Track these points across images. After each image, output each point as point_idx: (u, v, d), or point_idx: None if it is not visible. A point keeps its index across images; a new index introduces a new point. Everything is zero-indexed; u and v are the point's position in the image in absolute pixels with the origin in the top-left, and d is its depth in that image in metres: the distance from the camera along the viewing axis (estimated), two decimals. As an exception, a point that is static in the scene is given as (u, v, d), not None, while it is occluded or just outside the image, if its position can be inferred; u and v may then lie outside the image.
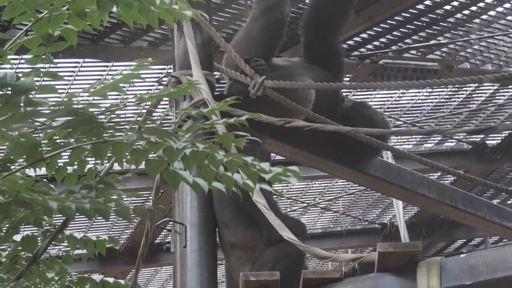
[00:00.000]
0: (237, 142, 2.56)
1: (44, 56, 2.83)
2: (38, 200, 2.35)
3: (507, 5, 7.11)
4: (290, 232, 3.87)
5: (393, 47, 7.23)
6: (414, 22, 7.04)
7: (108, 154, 2.67)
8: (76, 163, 2.82)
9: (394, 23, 6.97)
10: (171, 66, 4.99)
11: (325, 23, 5.08)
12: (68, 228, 3.76)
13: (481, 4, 6.99)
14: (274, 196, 5.11)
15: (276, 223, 3.86)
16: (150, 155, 2.58)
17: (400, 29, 7.08)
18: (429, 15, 6.99)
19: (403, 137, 8.50)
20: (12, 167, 2.70)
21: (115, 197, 2.67)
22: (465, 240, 10.43)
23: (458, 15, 7.08)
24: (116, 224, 9.04)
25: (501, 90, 8.27)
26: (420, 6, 6.86)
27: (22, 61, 5.75)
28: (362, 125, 4.60)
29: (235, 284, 4.31)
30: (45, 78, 2.72)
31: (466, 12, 7.07)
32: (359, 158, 5.01)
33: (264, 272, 3.72)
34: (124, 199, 2.75)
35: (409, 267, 3.47)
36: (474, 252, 3.96)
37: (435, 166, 4.78)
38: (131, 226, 9.03)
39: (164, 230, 8.38)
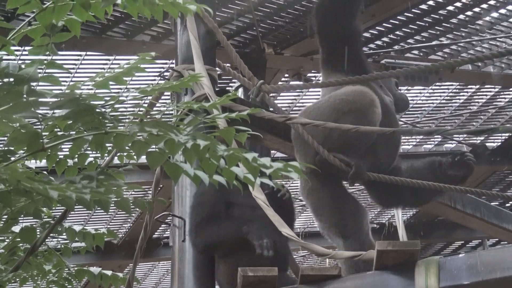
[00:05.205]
0: (238, 136, 2.56)
1: (47, 46, 2.83)
2: (39, 189, 2.34)
3: (510, 7, 7.10)
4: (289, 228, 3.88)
5: (396, 47, 7.23)
6: (417, 22, 7.03)
7: (109, 148, 2.67)
8: (76, 156, 2.82)
9: (397, 22, 6.97)
10: (173, 61, 4.99)
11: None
12: (66, 221, 3.76)
13: (484, 6, 6.98)
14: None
15: (276, 219, 3.87)
16: (151, 148, 2.58)
17: (403, 29, 7.08)
18: (432, 15, 6.99)
19: (403, 137, 8.51)
20: (12, 158, 2.69)
21: (115, 188, 2.67)
22: (463, 241, 10.43)
23: (461, 16, 7.08)
24: (114, 218, 9.04)
25: (502, 93, 8.27)
26: (423, 6, 6.86)
27: (25, 52, 5.75)
28: None
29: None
30: (47, 70, 2.73)
31: (469, 13, 7.06)
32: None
33: (262, 268, 3.72)
34: (124, 191, 2.75)
35: (408, 266, 3.47)
36: (473, 252, 3.96)
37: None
38: (129, 220, 9.03)
39: (162, 225, 8.39)
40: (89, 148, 2.71)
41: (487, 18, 7.21)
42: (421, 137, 8.60)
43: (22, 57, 5.81)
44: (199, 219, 4.12)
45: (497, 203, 9.32)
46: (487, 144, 8.77)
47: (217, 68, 4.84)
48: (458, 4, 6.92)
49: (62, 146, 2.78)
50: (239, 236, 3.98)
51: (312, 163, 4.41)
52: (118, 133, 2.56)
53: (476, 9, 7.04)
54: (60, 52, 2.94)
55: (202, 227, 4.10)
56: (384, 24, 6.95)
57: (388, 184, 4.61)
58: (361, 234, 4.50)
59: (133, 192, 7.50)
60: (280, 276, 3.75)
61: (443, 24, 7.12)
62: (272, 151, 6.71)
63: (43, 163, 2.85)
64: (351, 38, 4.73)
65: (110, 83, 2.75)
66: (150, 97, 4.74)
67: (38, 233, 3.48)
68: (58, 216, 3.56)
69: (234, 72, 4.70)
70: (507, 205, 9.58)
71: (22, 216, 2.95)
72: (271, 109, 4.78)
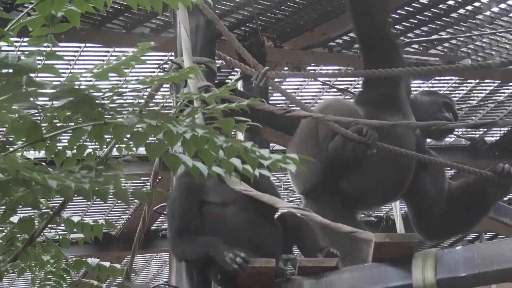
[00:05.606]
0: (237, 127, 2.56)
1: (46, 37, 2.83)
2: (38, 179, 2.35)
3: (510, 2, 7.10)
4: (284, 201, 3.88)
5: (395, 41, 7.22)
6: (417, 16, 7.03)
7: (107, 139, 2.68)
8: (75, 147, 2.82)
9: (397, 17, 6.97)
10: (173, 53, 4.99)
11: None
12: (64, 212, 3.77)
13: (484, 0, 6.98)
14: None
15: (265, 199, 3.83)
16: (150, 138, 2.58)
17: (403, 23, 7.08)
18: (432, 10, 6.98)
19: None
20: (11, 149, 2.70)
21: (114, 180, 2.67)
22: (459, 235, 10.44)
23: (461, 11, 7.08)
24: (112, 210, 9.05)
25: (501, 87, 8.28)
26: (423, 1, 6.86)
27: (24, 43, 5.75)
28: None
29: None
30: (47, 61, 2.73)
31: (469, 7, 7.06)
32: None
33: (260, 259, 3.71)
34: (123, 183, 2.75)
35: (405, 258, 3.48)
36: (470, 245, 3.96)
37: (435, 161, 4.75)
38: (127, 212, 9.04)
39: (161, 217, 8.40)
40: (88, 140, 2.71)
41: (487, 13, 7.21)
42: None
43: (21, 48, 5.81)
44: (172, 232, 4.03)
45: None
46: (485, 138, 8.77)
47: (219, 60, 4.82)
48: (458, -2, 6.93)
49: (61, 138, 2.78)
50: (207, 257, 3.88)
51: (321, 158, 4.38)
52: (117, 124, 2.56)
53: (476, 4, 7.03)
54: (59, 44, 2.94)
55: (176, 242, 4.01)
56: (384, 18, 6.94)
57: (433, 212, 4.62)
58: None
59: (132, 184, 7.50)
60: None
61: (443, 18, 7.12)
62: (271, 144, 6.72)
63: (42, 154, 2.86)
64: (384, 42, 4.68)
65: (110, 74, 2.76)
66: (149, 89, 4.75)
67: (36, 223, 3.49)
68: (56, 207, 3.57)
69: (235, 61, 4.67)
70: (505, 199, 9.59)
71: (20, 206, 2.95)
72: (275, 95, 4.77)
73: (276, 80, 5.56)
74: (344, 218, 4.43)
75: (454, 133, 8.52)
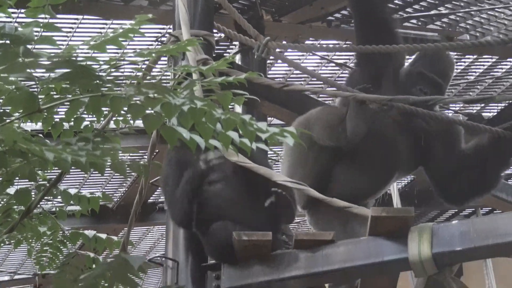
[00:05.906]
0: (235, 100, 2.56)
1: (44, 8, 2.81)
2: (35, 150, 2.35)
3: (509, -22, 7.08)
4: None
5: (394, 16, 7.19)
6: (416, -9, 7.01)
7: (105, 112, 2.67)
8: (72, 119, 2.82)
9: (396, -9, 6.96)
10: (171, 26, 4.97)
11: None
12: (61, 185, 3.77)
13: (483, -24, 6.97)
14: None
15: (262, 172, 3.82)
16: (148, 111, 2.58)
17: (402, -2, 7.06)
18: (431, -16, 6.97)
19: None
20: (8, 120, 2.70)
21: (112, 152, 2.67)
22: (456, 210, 10.47)
23: (460, -14, 7.06)
24: (109, 183, 9.05)
25: (499, 63, 8.27)
26: (423, -25, 6.84)
27: (22, 15, 5.72)
28: None
29: None
30: (43, 33, 2.72)
31: (468, -18, 7.05)
32: None
33: (257, 232, 3.72)
34: (120, 155, 2.75)
35: (401, 232, 3.49)
36: (466, 219, 3.97)
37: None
38: (124, 184, 9.04)
39: (158, 190, 8.40)
40: (85, 113, 2.71)
41: (487, -12, 7.20)
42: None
43: (18, 20, 5.78)
44: (167, 201, 4.05)
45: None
46: (483, 113, 8.76)
47: (217, 33, 4.79)
48: (457, -27, 6.90)
49: (58, 110, 2.78)
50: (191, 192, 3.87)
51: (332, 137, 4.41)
52: (115, 96, 2.56)
53: (476, -21, 7.02)
54: (57, 15, 2.92)
55: (173, 208, 4.02)
56: (382, -7, 6.91)
57: (454, 179, 4.63)
58: None
59: (129, 157, 7.50)
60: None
61: (442, -7, 7.11)
62: (269, 118, 6.72)
63: (39, 126, 2.85)
64: (381, 18, 4.65)
65: (108, 47, 2.75)
66: (147, 62, 4.73)
67: (33, 195, 3.49)
68: (53, 179, 3.57)
69: (234, 33, 4.63)
70: (502, 174, 9.59)
71: (17, 178, 2.95)
72: (273, 69, 4.76)
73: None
74: (347, 219, 4.46)
75: (451, 108, 8.52)
